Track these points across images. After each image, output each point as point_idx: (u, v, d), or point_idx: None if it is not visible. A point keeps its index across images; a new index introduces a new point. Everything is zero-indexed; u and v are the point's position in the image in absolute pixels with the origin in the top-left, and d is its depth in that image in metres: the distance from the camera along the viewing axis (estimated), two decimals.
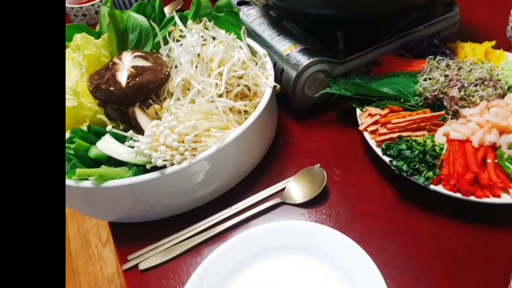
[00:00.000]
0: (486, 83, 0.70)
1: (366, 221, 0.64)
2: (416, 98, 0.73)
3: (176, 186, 0.62)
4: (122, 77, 0.67)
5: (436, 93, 0.70)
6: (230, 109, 0.69)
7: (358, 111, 0.74)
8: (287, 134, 0.80)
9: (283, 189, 0.69)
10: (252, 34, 0.84)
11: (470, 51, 0.80)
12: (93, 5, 1.14)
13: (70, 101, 0.66)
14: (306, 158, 0.74)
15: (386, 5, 0.75)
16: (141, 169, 0.62)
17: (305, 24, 0.85)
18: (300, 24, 0.85)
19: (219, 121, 0.66)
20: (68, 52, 0.75)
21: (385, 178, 0.69)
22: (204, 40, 0.75)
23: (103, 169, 0.61)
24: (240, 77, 0.70)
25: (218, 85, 0.68)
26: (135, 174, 0.60)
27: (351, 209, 0.66)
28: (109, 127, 0.64)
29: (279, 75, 0.78)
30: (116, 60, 0.70)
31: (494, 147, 0.65)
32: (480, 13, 1.03)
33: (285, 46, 0.78)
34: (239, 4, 0.93)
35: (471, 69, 0.72)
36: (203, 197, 0.67)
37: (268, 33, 0.83)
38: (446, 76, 0.71)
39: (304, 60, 0.75)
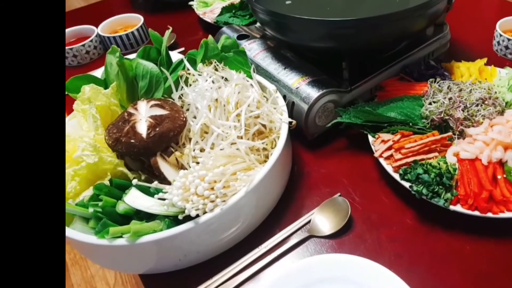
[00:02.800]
0: (486, 102, 0.75)
1: (393, 246, 0.67)
2: (423, 121, 0.77)
3: (209, 233, 0.63)
4: (142, 129, 0.67)
5: (442, 115, 0.74)
6: (250, 149, 0.70)
7: (370, 137, 0.77)
8: (302, 164, 0.82)
9: (308, 221, 0.71)
10: (258, 68, 0.86)
11: (465, 70, 0.84)
12: (83, 45, 1.12)
13: (90, 158, 0.66)
14: (325, 187, 0.76)
15: (387, 39, 0.79)
16: (171, 219, 0.62)
17: (306, 54, 0.87)
18: (300, 54, 0.88)
19: (243, 163, 0.67)
20: (77, 104, 0.75)
21: (403, 202, 0.72)
22: (215, 82, 0.76)
23: (136, 225, 0.60)
24: (257, 117, 0.72)
25: (237, 127, 0.70)
26: (168, 226, 0.61)
27: (377, 235, 0.68)
28: (134, 181, 0.64)
29: (289, 108, 0.80)
30: (131, 110, 0.70)
31: (501, 163, 0.69)
32: (467, 30, 1.09)
33: (293, 80, 0.81)
34: (239, 38, 0.94)
35: (470, 89, 0.76)
36: (232, 238, 0.67)
37: (274, 67, 0.85)
38: (450, 99, 0.75)
39: (314, 93, 0.77)
